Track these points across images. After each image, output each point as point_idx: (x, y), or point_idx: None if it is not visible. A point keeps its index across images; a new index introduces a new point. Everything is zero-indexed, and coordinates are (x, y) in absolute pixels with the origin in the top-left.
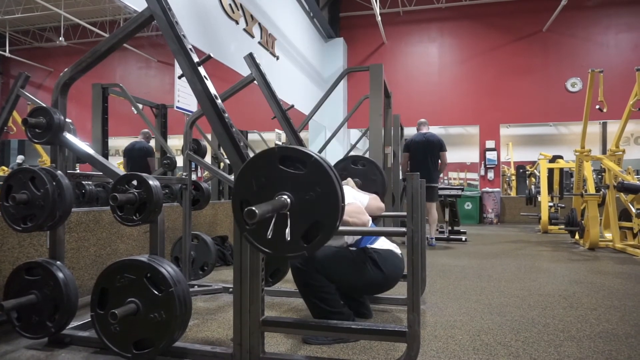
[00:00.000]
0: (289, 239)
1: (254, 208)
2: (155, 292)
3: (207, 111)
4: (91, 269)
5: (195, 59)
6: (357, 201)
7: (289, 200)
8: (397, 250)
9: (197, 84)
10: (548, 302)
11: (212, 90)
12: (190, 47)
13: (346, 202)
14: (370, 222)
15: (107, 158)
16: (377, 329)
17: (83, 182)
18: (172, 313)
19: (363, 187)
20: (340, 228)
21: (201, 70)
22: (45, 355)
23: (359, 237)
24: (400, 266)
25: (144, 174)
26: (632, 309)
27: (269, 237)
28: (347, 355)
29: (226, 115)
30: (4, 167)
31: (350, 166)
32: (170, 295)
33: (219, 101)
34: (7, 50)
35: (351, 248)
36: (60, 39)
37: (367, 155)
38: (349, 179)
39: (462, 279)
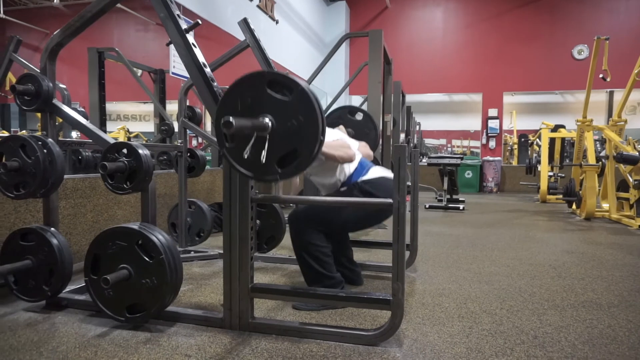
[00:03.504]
0: (263, 161)
1: (231, 119)
2: (146, 259)
3: (196, 80)
4: (88, 234)
5: (184, 25)
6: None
7: (270, 123)
8: (390, 175)
9: (184, 51)
10: (537, 272)
11: (201, 58)
12: (178, 13)
13: (334, 139)
14: (360, 156)
15: (105, 124)
16: (363, 297)
17: (80, 149)
18: (163, 279)
19: (355, 138)
20: (331, 199)
21: (189, 37)
22: (43, 318)
23: (350, 172)
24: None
25: (133, 143)
26: (619, 279)
27: (245, 157)
28: (335, 322)
29: (215, 84)
30: (4, 131)
31: (347, 116)
32: (161, 262)
33: (207, 70)
34: (2, 12)
35: (342, 189)
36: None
37: None
38: (341, 126)
39: (456, 247)
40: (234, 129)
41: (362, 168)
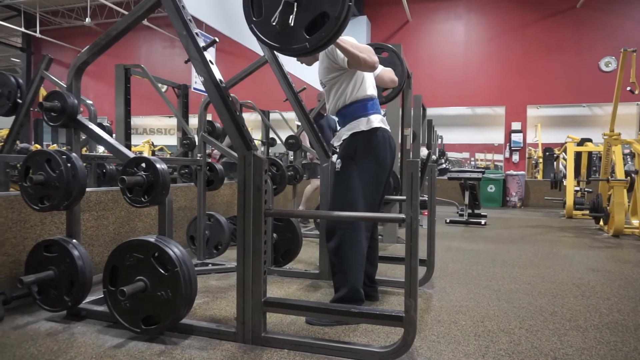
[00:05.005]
0: (292, 24)
1: None
2: (162, 272)
3: (212, 95)
4: (110, 246)
5: (202, 43)
6: None
7: None
8: (387, 127)
9: (202, 68)
10: (559, 290)
11: (218, 75)
12: (197, 31)
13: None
14: (375, 93)
15: (130, 138)
16: (375, 313)
17: (104, 163)
18: (178, 292)
19: None
20: (343, 214)
21: (207, 54)
22: (63, 327)
23: (358, 97)
24: (391, 144)
25: (151, 157)
26: None
27: (274, 23)
28: (348, 337)
29: (230, 99)
30: (37, 145)
31: None
32: (176, 275)
33: (223, 86)
34: (38, 31)
35: (336, 144)
36: (87, 19)
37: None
38: None
39: (475, 263)
40: None
41: (372, 106)
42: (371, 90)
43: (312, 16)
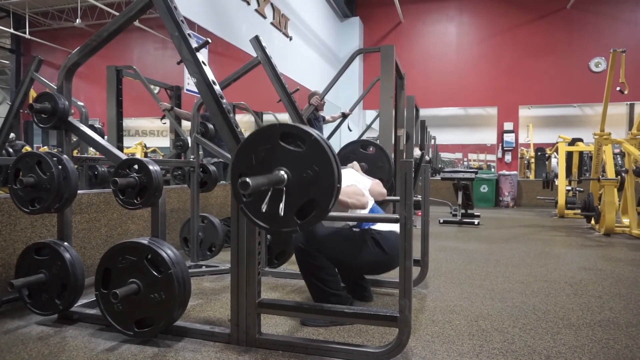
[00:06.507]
0: (282, 214)
1: (247, 179)
2: (155, 274)
3: (205, 96)
4: (102, 248)
5: (194, 44)
6: (359, 184)
7: (285, 176)
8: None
9: (195, 69)
10: (552, 289)
11: (210, 76)
12: (190, 32)
13: (347, 184)
14: (372, 203)
15: (122, 140)
16: (370, 314)
17: (96, 164)
18: (172, 294)
19: (369, 172)
20: (336, 214)
21: (200, 55)
22: (54, 331)
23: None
24: (395, 243)
25: (144, 159)
26: (639, 297)
27: (264, 210)
28: (343, 338)
29: (224, 100)
30: (27, 147)
31: (359, 150)
32: (170, 277)
33: (217, 87)
34: (27, 32)
35: (354, 229)
36: (78, 20)
37: (378, 139)
38: (355, 163)
39: (469, 263)
40: (251, 189)
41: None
42: (369, 204)
43: (301, 203)
